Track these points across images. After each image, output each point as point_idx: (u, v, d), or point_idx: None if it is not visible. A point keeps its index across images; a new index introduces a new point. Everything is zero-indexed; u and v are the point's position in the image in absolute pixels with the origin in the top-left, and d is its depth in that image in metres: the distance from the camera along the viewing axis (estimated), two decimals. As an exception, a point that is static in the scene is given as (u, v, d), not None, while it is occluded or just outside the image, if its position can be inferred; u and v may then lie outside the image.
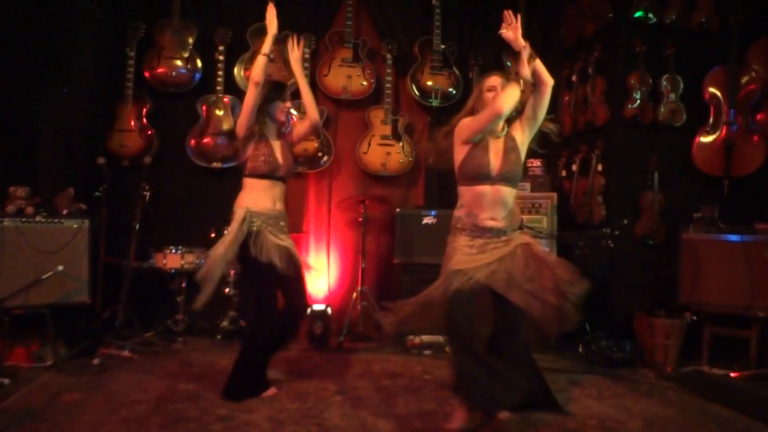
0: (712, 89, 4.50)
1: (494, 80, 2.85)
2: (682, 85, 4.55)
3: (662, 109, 4.53)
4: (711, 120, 4.50)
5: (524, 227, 2.89)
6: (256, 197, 3.24)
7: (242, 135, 3.23)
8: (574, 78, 4.98)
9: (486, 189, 2.76)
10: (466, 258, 2.73)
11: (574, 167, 4.88)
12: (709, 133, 4.49)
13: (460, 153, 2.82)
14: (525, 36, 5.33)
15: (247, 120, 3.21)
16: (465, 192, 2.82)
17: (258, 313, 3.35)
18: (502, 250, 2.73)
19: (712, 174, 4.45)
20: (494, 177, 2.75)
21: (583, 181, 4.76)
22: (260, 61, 3.23)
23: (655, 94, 4.56)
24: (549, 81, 2.78)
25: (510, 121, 2.88)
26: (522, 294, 2.69)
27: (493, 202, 2.76)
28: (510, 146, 2.80)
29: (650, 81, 4.53)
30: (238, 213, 3.19)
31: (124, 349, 3.98)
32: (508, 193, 2.78)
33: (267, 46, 3.26)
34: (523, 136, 2.86)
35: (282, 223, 3.31)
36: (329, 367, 3.96)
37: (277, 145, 3.32)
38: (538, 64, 2.80)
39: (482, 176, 2.75)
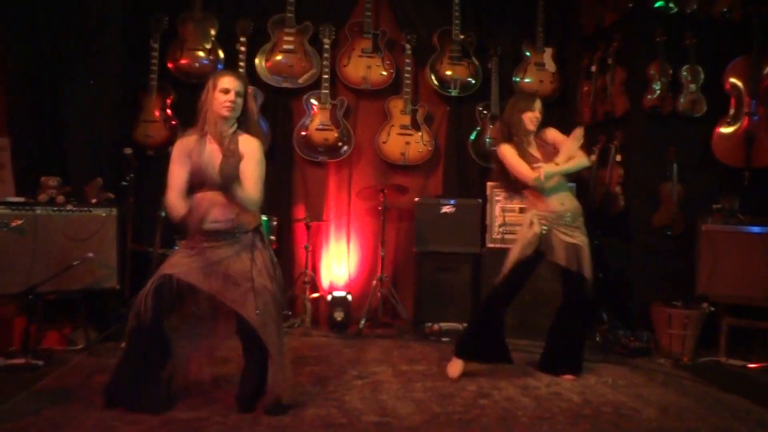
0: (733, 80, 4.47)
1: (230, 82, 2.75)
2: (702, 76, 4.53)
3: (682, 100, 4.51)
4: (732, 111, 4.47)
5: (260, 230, 2.82)
6: (541, 201, 3.48)
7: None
8: (593, 68, 4.95)
9: (208, 195, 2.74)
10: (181, 261, 2.75)
11: (593, 157, 4.88)
12: (729, 124, 4.47)
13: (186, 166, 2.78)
14: (544, 26, 5.37)
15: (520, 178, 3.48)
16: (193, 197, 2.77)
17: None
18: (225, 251, 2.73)
19: (733, 165, 4.43)
20: (218, 185, 2.69)
21: (602, 171, 4.77)
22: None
23: (675, 84, 4.54)
24: None
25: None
26: (239, 293, 2.71)
27: (218, 207, 2.73)
28: (230, 149, 2.73)
29: (670, 71, 4.50)
30: (526, 217, 3.54)
31: (151, 333, 4.10)
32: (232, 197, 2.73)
33: (562, 162, 3.43)
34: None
35: (569, 220, 3.47)
36: (349, 352, 4.06)
37: (532, 147, 3.49)
38: None
39: (204, 184, 2.74)
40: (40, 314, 3.71)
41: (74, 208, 3.97)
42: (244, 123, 2.84)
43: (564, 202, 3.48)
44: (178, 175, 2.77)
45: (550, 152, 3.49)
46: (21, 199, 3.86)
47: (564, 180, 3.53)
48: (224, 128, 2.78)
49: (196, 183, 2.77)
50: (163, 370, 2.84)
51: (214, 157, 2.73)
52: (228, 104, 2.74)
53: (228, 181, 2.66)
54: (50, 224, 3.85)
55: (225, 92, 2.74)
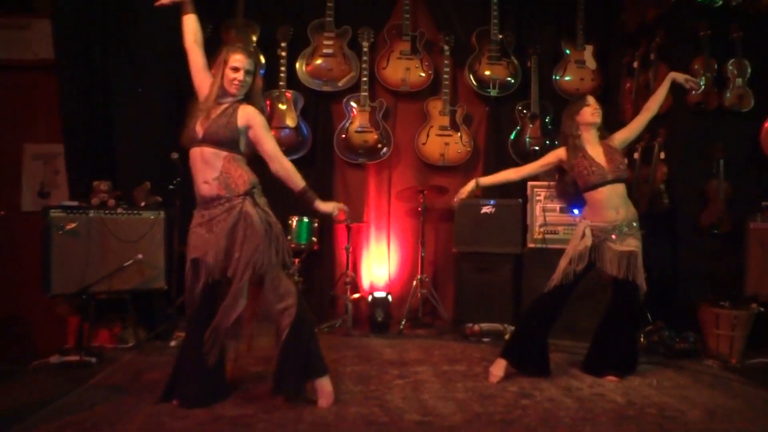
0: (782, 72, 4.35)
1: (240, 61, 2.82)
2: (749, 70, 4.41)
3: (728, 95, 4.40)
4: (781, 105, 4.36)
5: (252, 193, 2.84)
6: (595, 210, 3.42)
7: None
8: (635, 64, 4.87)
9: (195, 151, 2.82)
10: (198, 242, 2.83)
11: (636, 155, 4.80)
12: (779, 119, 4.35)
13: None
14: (584, 23, 5.25)
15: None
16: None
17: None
18: (226, 222, 2.78)
19: (783, 161, 4.32)
20: (199, 139, 2.80)
21: (646, 169, 4.69)
22: None
23: (720, 79, 4.44)
24: None
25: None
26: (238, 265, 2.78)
27: (203, 164, 2.80)
28: (226, 113, 2.81)
29: (715, 66, 4.41)
30: (578, 228, 3.47)
31: (198, 332, 4.23)
32: (213, 154, 2.79)
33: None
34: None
35: (625, 229, 3.38)
36: (390, 352, 4.09)
37: (597, 151, 3.43)
38: None
39: (191, 140, 2.82)
40: (92, 313, 3.89)
41: (124, 211, 4.12)
42: (248, 97, 2.92)
43: (619, 210, 3.38)
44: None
45: (617, 159, 3.42)
46: (75, 203, 4.04)
47: (621, 187, 3.43)
48: (227, 99, 2.86)
49: (187, 142, 2.87)
50: (219, 357, 2.94)
51: (197, 116, 2.83)
52: (237, 83, 2.83)
53: (209, 138, 2.78)
54: (102, 227, 4.01)
55: (235, 70, 2.82)
